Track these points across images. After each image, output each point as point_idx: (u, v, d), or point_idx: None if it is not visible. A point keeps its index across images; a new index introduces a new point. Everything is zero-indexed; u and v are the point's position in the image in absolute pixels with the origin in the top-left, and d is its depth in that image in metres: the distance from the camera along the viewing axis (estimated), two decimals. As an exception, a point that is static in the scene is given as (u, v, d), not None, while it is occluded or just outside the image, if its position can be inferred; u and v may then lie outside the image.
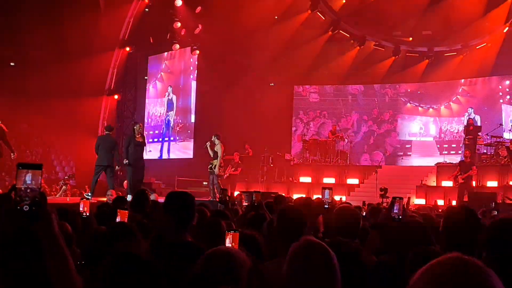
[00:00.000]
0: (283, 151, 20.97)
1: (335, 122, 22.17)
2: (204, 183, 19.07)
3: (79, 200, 4.93)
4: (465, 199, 14.29)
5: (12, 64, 21.43)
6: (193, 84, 21.96)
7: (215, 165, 14.66)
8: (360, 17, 21.20)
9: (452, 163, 17.81)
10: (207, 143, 15.02)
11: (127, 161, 13.82)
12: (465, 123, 18.56)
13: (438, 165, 18.40)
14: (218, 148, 14.75)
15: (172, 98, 22.59)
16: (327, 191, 4.25)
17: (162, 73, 23.17)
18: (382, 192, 12.89)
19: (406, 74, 21.64)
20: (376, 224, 4.03)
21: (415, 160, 21.26)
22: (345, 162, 20.01)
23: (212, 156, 14.88)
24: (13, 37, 19.31)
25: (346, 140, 20.46)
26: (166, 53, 22.59)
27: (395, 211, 3.99)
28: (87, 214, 4.62)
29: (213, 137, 14.93)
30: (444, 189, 16.55)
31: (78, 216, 4.74)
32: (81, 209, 4.62)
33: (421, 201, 16.18)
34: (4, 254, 2.32)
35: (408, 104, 22.16)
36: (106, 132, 14.07)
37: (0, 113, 19.50)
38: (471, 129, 17.28)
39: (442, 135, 21.61)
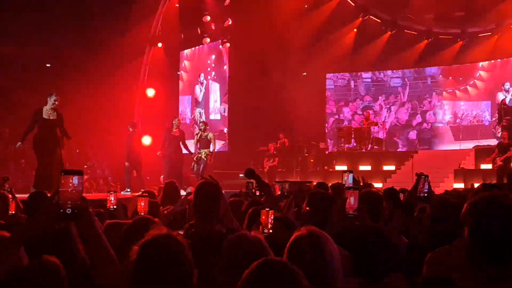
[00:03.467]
0: (318, 140, 20.91)
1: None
2: (240, 175, 19.16)
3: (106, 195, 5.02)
4: (505, 181, 14.02)
5: (48, 65, 21.84)
6: (225, 76, 22.06)
7: (206, 154, 14.47)
8: (391, 1, 20.92)
9: (490, 145, 17.52)
10: (200, 133, 14.76)
11: (159, 153, 14.09)
12: (499, 101, 18.25)
13: (476, 148, 18.12)
14: (212, 137, 14.68)
15: (202, 90, 22.75)
16: (350, 175, 4.24)
17: (193, 67, 23.36)
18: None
19: (439, 57, 21.25)
20: (401, 203, 4.01)
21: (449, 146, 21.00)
22: (381, 148, 19.88)
23: (198, 146, 14.64)
24: (48, 39, 19.66)
25: (380, 126, 20.27)
26: (197, 47, 22.74)
27: (425, 189, 3.95)
28: (115, 207, 4.71)
29: (203, 125, 14.85)
30: (482, 172, 16.27)
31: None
32: (111, 201, 4.72)
33: (460, 185, 15.94)
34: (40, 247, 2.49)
35: (439, 90, 21.82)
36: (130, 130, 14.37)
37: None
38: (505, 109, 16.94)
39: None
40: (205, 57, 22.88)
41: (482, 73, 20.91)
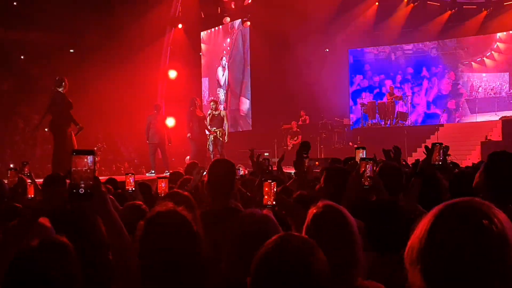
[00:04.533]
0: (342, 116, 20.80)
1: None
2: (266, 153, 19.18)
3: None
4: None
5: (71, 51, 22.05)
6: (247, 55, 21.97)
7: (222, 133, 14.32)
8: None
9: (517, 116, 17.26)
10: (211, 112, 14.55)
11: (189, 135, 14.13)
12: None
13: (503, 119, 17.82)
14: (224, 114, 14.58)
15: (225, 74, 22.72)
16: (364, 151, 4.19)
17: (209, 50, 23.33)
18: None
19: (463, 28, 20.83)
20: (417, 172, 3.99)
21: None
22: (406, 123, 19.71)
23: (209, 126, 14.46)
24: (69, 25, 19.84)
25: (405, 100, 20.07)
26: (217, 27, 22.69)
27: (440, 158, 3.93)
28: (133, 189, 4.77)
29: (214, 104, 14.67)
30: (510, 143, 15.99)
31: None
32: (130, 183, 4.77)
33: (487, 157, 15.69)
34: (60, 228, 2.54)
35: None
36: (154, 111, 14.46)
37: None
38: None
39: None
40: (221, 40, 22.82)
41: (500, 44, 20.47)
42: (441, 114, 18.51)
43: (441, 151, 3.89)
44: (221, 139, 14.37)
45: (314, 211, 2.47)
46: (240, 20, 21.41)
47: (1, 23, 19.23)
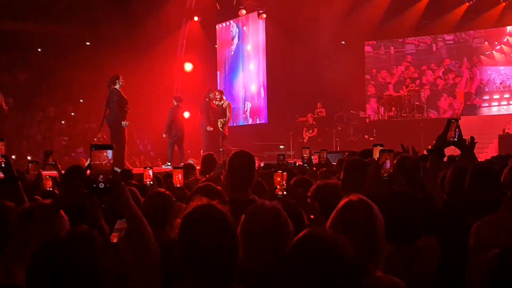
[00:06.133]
0: (358, 109, 20.70)
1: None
2: (281, 146, 19.20)
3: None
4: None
5: (88, 43, 22.15)
6: (262, 48, 21.88)
7: (222, 124, 14.19)
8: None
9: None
10: (215, 102, 14.47)
11: (211, 128, 14.05)
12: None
13: (521, 111, 17.71)
14: (227, 105, 14.45)
15: (240, 62, 22.68)
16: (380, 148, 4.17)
17: (224, 42, 23.28)
18: (459, 143, 12.53)
19: (480, 21, 20.52)
20: (431, 149, 3.99)
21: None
22: (422, 115, 19.60)
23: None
24: (86, 17, 19.93)
25: (422, 93, 19.95)
26: (233, 20, 22.60)
27: (456, 134, 3.93)
28: (151, 182, 4.80)
29: (219, 94, 14.53)
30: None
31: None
32: (148, 176, 4.81)
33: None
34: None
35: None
36: (175, 103, 14.47)
37: (80, 91, 20.43)
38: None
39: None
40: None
41: (510, 38, 20.15)
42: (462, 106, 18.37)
43: (456, 128, 3.87)
44: (221, 129, 14.30)
45: (346, 201, 2.54)
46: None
47: (18, 15, 19.38)
